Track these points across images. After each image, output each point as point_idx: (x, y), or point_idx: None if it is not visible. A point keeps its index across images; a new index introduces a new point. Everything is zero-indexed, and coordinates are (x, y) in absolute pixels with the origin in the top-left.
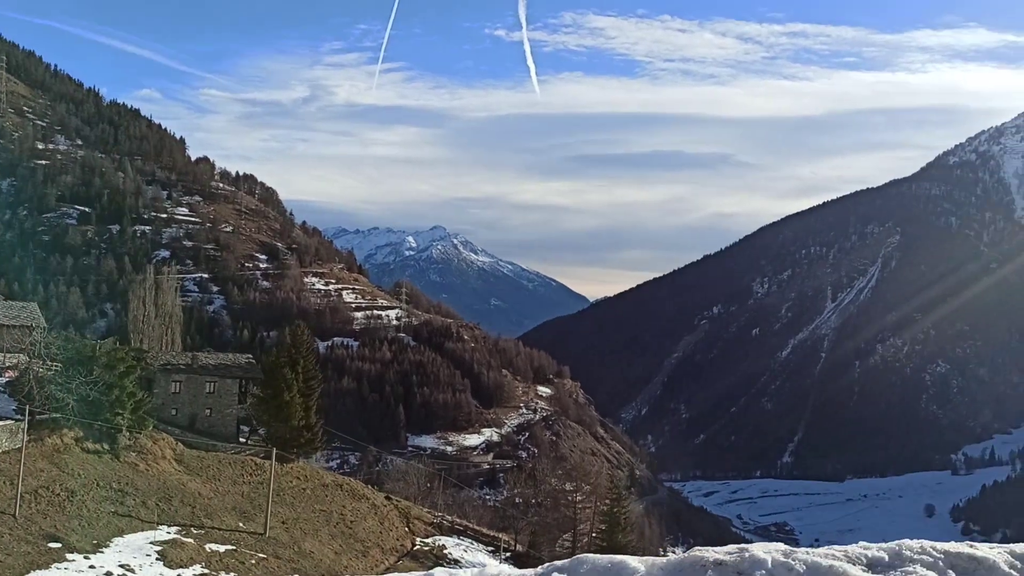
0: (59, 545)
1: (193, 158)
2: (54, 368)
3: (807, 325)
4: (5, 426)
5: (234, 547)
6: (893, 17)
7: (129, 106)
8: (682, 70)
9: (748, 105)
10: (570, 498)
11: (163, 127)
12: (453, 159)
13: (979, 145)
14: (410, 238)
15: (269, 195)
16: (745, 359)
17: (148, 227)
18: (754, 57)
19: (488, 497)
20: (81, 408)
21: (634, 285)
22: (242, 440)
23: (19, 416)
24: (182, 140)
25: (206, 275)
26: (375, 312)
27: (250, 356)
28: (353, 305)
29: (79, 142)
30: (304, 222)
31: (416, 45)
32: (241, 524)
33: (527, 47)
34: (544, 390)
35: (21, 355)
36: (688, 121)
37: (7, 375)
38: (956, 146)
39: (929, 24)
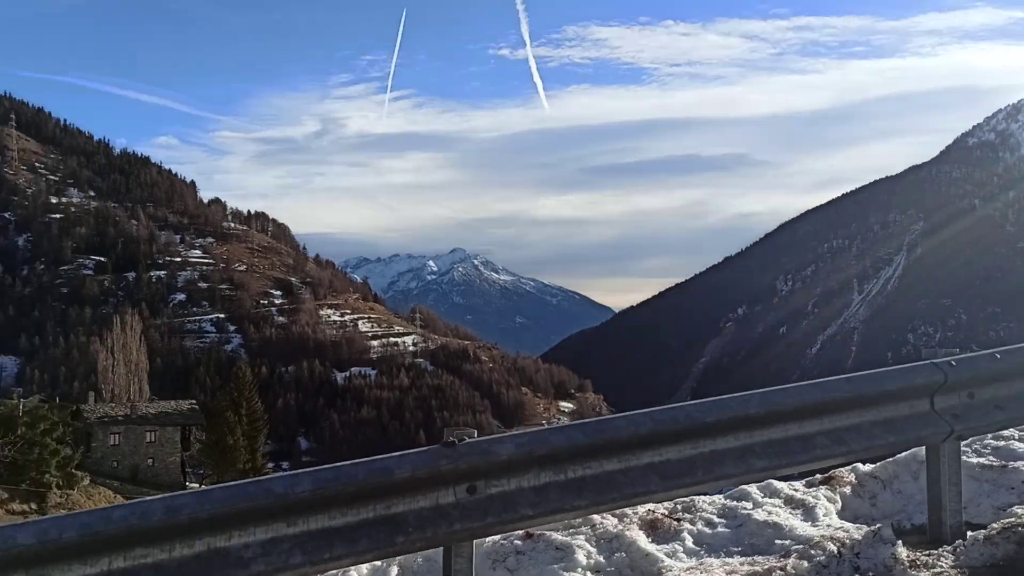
0: None
1: (206, 200)
2: None
3: (835, 319)
4: None
5: None
6: (898, 2)
7: (139, 154)
8: (689, 73)
9: (759, 103)
10: None
11: (173, 172)
12: (467, 181)
13: (997, 124)
14: (431, 262)
15: (281, 231)
16: (774, 359)
17: (163, 272)
18: (761, 55)
19: None
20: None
21: (657, 292)
22: (192, 486)
23: None
24: (193, 183)
25: (222, 315)
26: (391, 339)
27: (193, 402)
28: (369, 334)
29: (92, 193)
30: (317, 255)
31: (422, 71)
32: None
33: (532, 64)
34: (567, 405)
35: None
36: (700, 124)
37: None
38: (974, 127)
39: (936, 7)
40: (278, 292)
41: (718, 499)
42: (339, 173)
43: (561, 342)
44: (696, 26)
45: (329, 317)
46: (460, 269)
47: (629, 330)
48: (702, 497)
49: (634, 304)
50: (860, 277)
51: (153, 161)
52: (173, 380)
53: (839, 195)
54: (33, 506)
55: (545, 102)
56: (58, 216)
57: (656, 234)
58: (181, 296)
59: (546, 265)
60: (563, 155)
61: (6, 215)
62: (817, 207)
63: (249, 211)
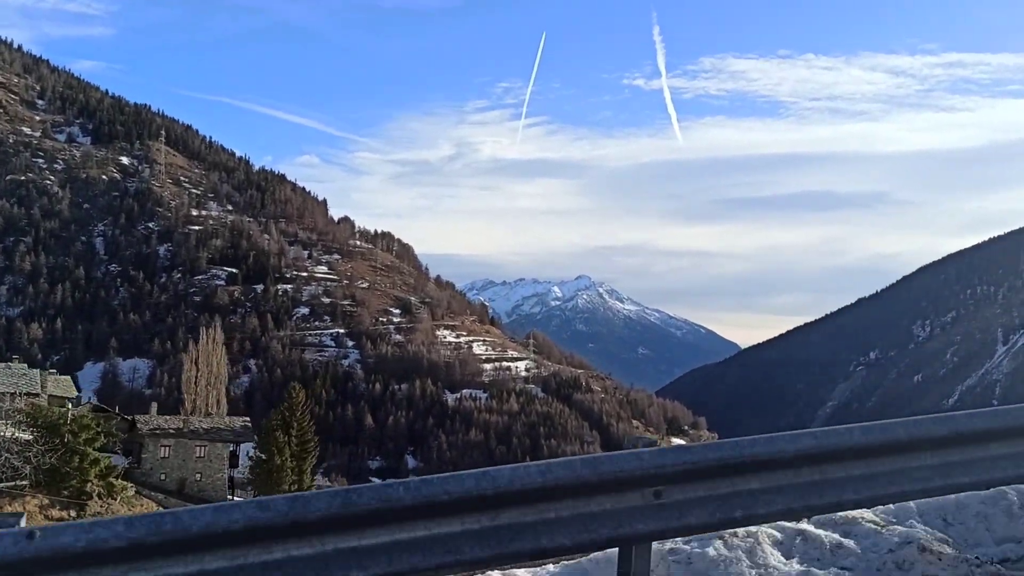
0: None
1: (336, 218)
2: (21, 436)
3: (976, 370)
4: None
5: None
6: None
7: (277, 172)
8: (830, 108)
9: (904, 140)
10: None
11: (307, 190)
12: (596, 208)
13: None
14: (556, 288)
15: (405, 250)
16: (907, 407)
17: (290, 286)
18: (907, 91)
19: None
20: (40, 476)
21: (786, 330)
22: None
23: None
24: (324, 201)
25: (342, 330)
26: (504, 364)
27: (247, 419)
28: (483, 357)
29: (229, 207)
30: (438, 276)
31: (556, 99)
32: None
33: (667, 95)
34: (678, 442)
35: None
36: (839, 159)
37: None
38: None
39: None
40: (397, 310)
41: None
42: (469, 196)
43: (683, 375)
44: (839, 60)
45: (445, 338)
46: (585, 296)
47: (754, 367)
48: None
49: (761, 341)
50: (1006, 327)
51: (289, 179)
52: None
53: (986, 239)
54: (73, 514)
55: (679, 133)
56: (197, 228)
57: (788, 270)
58: (304, 310)
59: (672, 296)
60: (694, 186)
61: (150, 225)
62: (961, 251)
63: (376, 230)
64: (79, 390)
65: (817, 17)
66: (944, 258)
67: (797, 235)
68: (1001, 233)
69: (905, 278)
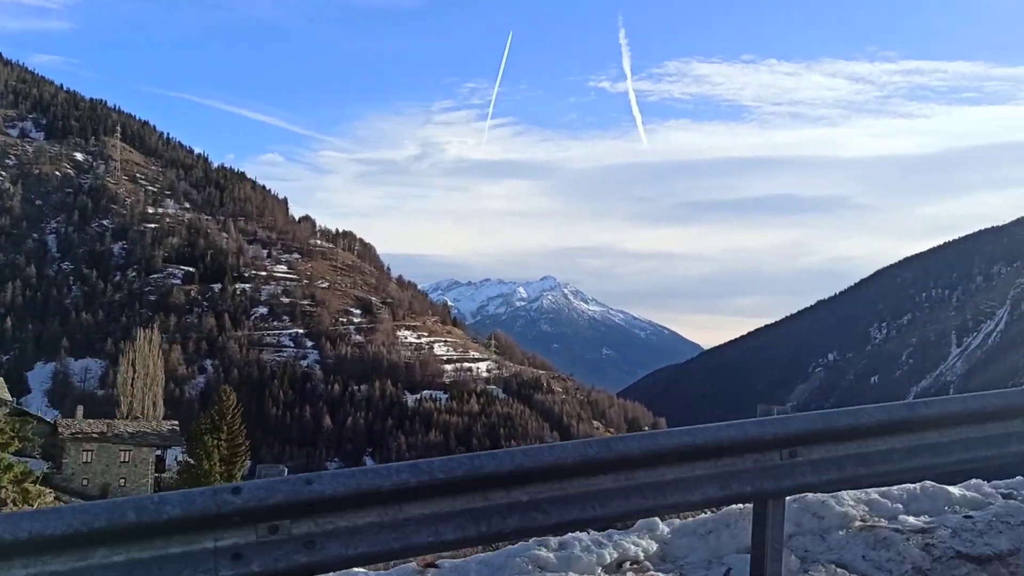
0: None
1: (297, 217)
2: None
3: (931, 372)
4: None
5: None
6: (1014, 50)
7: (236, 169)
8: (792, 113)
9: (864, 146)
10: None
11: (267, 188)
12: (561, 210)
13: None
14: (521, 289)
15: (367, 250)
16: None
17: (248, 285)
18: (867, 97)
19: None
20: None
21: (747, 332)
22: None
23: None
24: (285, 200)
25: (301, 330)
26: (465, 364)
27: (175, 423)
28: (444, 358)
29: (187, 205)
30: (400, 276)
31: (522, 100)
32: None
33: (632, 98)
34: None
35: None
36: (801, 163)
37: None
38: None
39: None
40: (358, 311)
41: None
42: (436, 196)
43: (646, 376)
44: (800, 66)
45: (405, 338)
46: (550, 297)
47: (715, 368)
48: None
49: (723, 342)
50: (959, 330)
51: (249, 177)
52: (248, 392)
53: (941, 243)
54: None
55: (644, 136)
56: (152, 226)
57: (751, 273)
58: (263, 310)
59: (637, 298)
60: (659, 189)
61: (104, 222)
62: (917, 254)
63: (337, 229)
64: (29, 390)
65: (780, 23)
66: (900, 261)
67: (760, 238)
68: (955, 237)
69: (863, 281)
